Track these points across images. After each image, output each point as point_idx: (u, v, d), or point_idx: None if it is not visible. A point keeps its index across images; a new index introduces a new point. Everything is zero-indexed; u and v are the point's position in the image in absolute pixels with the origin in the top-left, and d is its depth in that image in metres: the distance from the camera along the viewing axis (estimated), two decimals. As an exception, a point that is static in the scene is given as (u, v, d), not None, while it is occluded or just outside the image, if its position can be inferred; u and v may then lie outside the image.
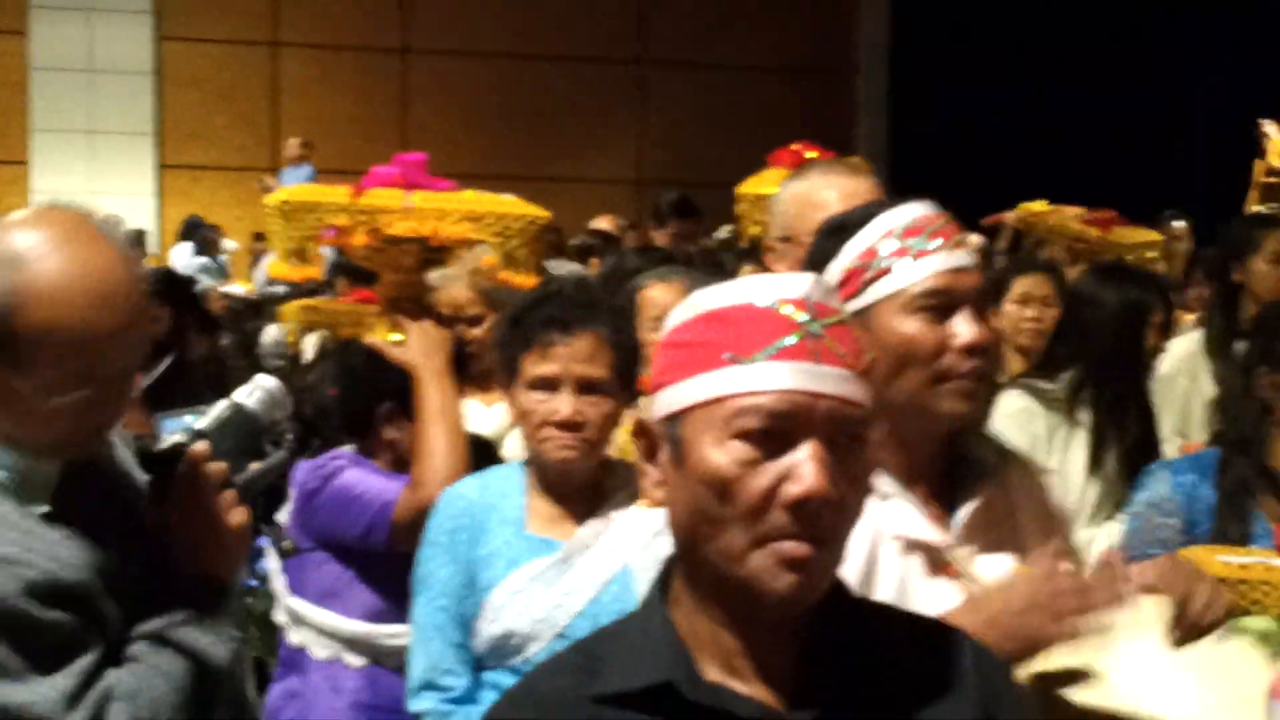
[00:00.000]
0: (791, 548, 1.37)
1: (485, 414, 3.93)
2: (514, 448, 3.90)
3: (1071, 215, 6.51)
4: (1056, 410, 4.04)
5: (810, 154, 5.07)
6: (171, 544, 1.95)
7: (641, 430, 1.48)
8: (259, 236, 14.11)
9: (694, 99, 16.74)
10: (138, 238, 13.77)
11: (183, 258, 12.96)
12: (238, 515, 1.98)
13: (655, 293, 3.85)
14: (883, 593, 1.94)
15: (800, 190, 2.78)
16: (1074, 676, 1.83)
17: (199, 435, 2.00)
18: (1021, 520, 2.09)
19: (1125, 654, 1.84)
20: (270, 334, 8.12)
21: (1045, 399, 4.05)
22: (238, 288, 12.10)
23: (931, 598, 1.96)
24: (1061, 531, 2.17)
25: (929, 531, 1.99)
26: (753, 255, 6.91)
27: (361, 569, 3.20)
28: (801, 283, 1.44)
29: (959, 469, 2.06)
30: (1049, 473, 2.28)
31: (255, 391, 2.09)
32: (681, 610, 1.45)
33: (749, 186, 5.19)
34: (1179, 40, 15.29)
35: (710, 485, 1.39)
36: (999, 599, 1.83)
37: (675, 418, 1.43)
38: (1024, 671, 1.81)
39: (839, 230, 2.04)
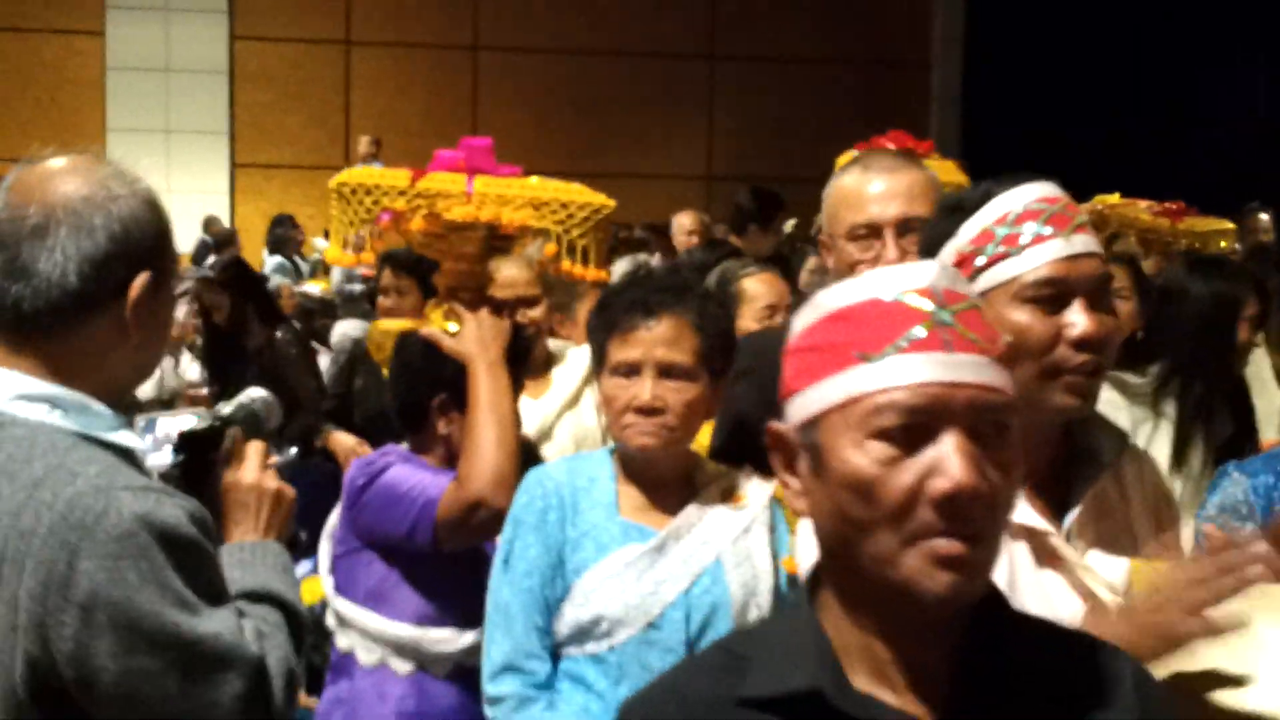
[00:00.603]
0: (945, 545, 1.32)
1: (533, 407, 3.81)
2: (562, 442, 3.81)
3: (1143, 207, 6.44)
4: (1142, 404, 3.94)
5: (892, 146, 4.99)
6: (224, 515, 2.07)
7: (777, 441, 1.44)
8: (280, 221, 14.21)
9: (764, 93, 16.65)
10: (230, 236, 13.94)
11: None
12: (284, 485, 2.14)
13: (751, 285, 3.83)
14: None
15: (839, 186, 2.69)
16: (1221, 677, 1.74)
17: (226, 422, 2.17)
18: (1134, 511, 2.03)
19: (1271, 649, 1.73)
20: (339, 330, 8.14)
21: (1131, 392, 3.95)
22: (313, 287, 12.18)
23: (1039, 587, 1.90)
24: (1174, 524, 2.10)
25: (1036, 520, 1.92)
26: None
27: (408, 570, 3.07)
28: (927, 271, 1.40)
29: (1075, 458, 1.99)
30: (1158, 465, 2.18)
31: (255, 398, 2.26)
32: (830, 617, 1.42)
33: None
34: (1260, 34, 15.03)
35: (853, 489, 1.35)
36: (1132, 599, 1.76)
37: (811, 424, 1.39)
38: (1166, 671, 1.73)
39: (955, 210, 1.96)
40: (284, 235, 13.68)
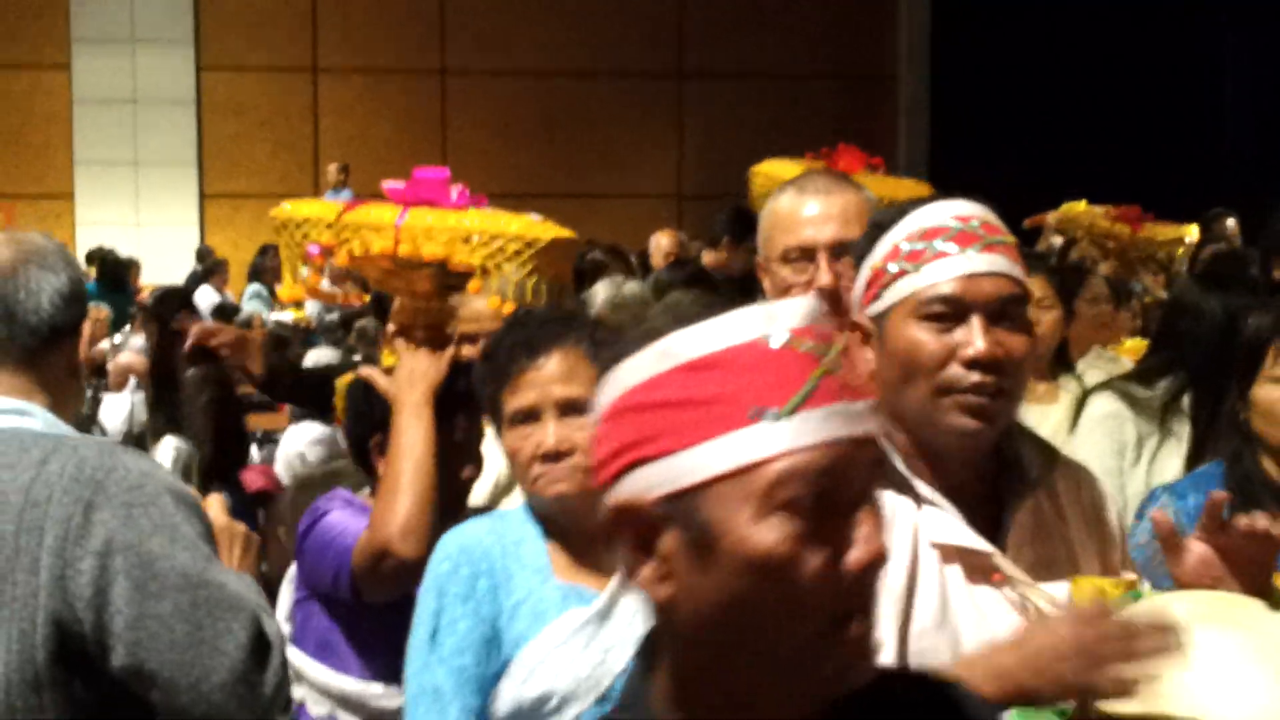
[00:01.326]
0: (860, 623, 1.20)
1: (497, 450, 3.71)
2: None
3: (1099, 213, 6.46)
4: (1149, 417, 3.88)
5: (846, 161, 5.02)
6: None
7: (625, 516, 1.21)
8: (264, 251, 14.18)
9: (733, 110, 16.70)
10: (214, 266, 13.94)
11: (205, 297, 12.97)
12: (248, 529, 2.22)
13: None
14: (924, 603, 1.86)
15: (773, 208, 2.64)
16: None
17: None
18: (1072, 529, 2.00)
19: (1215, 658, 1.69)
20: (311, 358, 8.12)
21: (1138, 405, 3.90)
22: (287, 315, 12.19)
23: (977, 606, 1.88)
24: (1114, 545, 2.07)
25: (971, 538, 1.90)
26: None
27: (349, 621, 2.87)
28: (801, 309, 1.23)
29: (1005, 474, 1.97)
30: (1096, 479, 2.14)
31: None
32: (675, 708, 1.26)
33: (764, 166, 5.17)
34: (1220, 38, 15.15)
35: (761, 570, 1.17)
36: (1042, 637, 1.69)
37: (685, 495, 1.19)
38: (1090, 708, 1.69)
39: (876, 228, 1.95)
40: (263, 264, 13.66)
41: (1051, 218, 7.12)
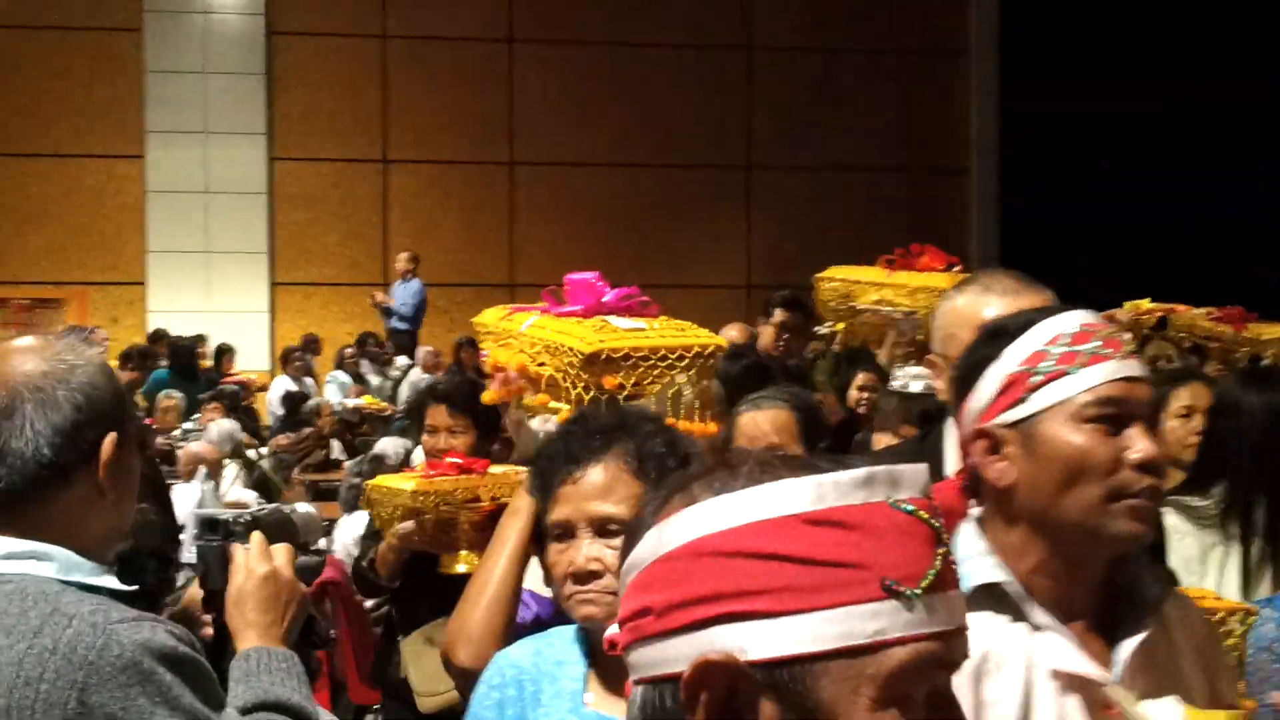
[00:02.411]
0: None
1: None
2: None
3: (1200, 314, 6.27)
4: (1210, 529, 3.72)
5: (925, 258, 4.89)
6: (237, 604, 2.14)
7: (712, 675, 1.06)
8: (361, 340, 14.26)
9: (801, 201, 16.68)
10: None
11: (279, 386, 13.05)
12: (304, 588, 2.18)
13: (747, 420, 3.52)
14: None
15: (957, 306, 2.60)
16: None
17: (256, 521, 2.23)
18: (1184, 661, 1.91)
19: None
20: (379, 446, 8.09)
21: (1196, 517, 3.74)
22: (354, 400, 12.35)
23: None
24: (1224, 675, 1.98)
25: (1089, 667, 1.81)
26: (856, 360, 6.70)
27: None
28: (919, 477, 1.12)
29: (1121, 601, 1.88)
30: (1208, 612, 2.06)
31: (299, 508, 2.26)
32: None
33: (835, 271, 5.08)
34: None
35: None
36: None
37: (789, 664, 1.06)
38: None
39: (998, 334, 1.89)
40: (345, 354, 13.85)
41: (1121, 315, 6.96)
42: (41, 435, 1.93)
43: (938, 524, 1.10)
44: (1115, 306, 7.01)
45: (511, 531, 2.63)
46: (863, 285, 4.89)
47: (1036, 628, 1.81)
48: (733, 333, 7.99)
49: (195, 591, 2.20)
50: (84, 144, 15.80)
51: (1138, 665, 1.84)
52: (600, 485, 2.20)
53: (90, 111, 15.78)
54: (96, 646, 1.83)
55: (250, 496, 8.12)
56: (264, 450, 10.45)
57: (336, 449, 11.00)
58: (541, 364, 2.85)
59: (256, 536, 2.17)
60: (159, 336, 13.95)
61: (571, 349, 2.78)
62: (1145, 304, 6.43)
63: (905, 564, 1.07)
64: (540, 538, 2.30)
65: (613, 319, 2.90)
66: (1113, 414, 1.80)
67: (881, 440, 4.71)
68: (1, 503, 1.94)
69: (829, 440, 4.08)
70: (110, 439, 1.98)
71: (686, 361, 2.77)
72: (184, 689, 1.86)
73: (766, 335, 6.79)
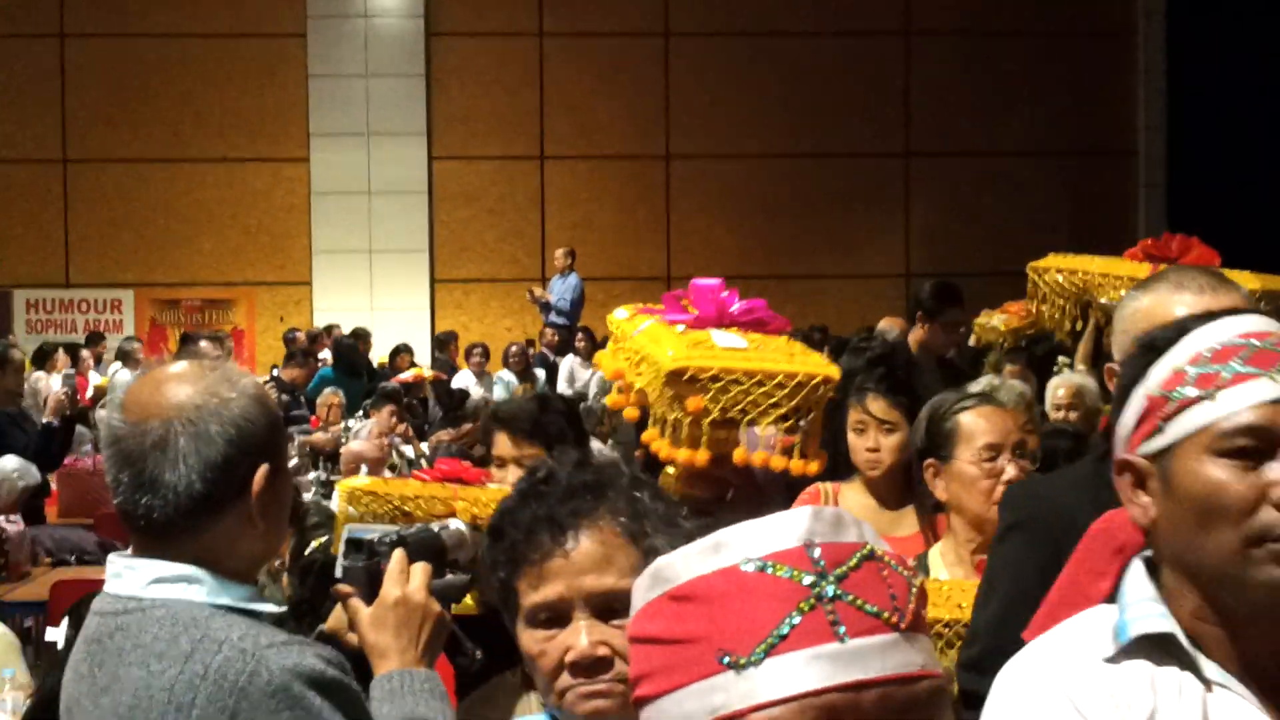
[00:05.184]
0: None
1: None
2: None
3: None
4: None
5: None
6: (373, 628, 2.12)
7: None
8: (529, 343, 14.36)
9: (961, 188, 16.42)
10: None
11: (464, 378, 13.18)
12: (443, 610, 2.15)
13: (970, 419, 3.20)
14: None
15: (1145, 307, 2.34)
16: None
17: (401, 540, 2.19)
18: None
19: None
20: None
21: None
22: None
23: None
24: None
25: None
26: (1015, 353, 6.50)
27: None
28: (794, 524, 1.05)
29: None
30: None
31: (450, 524, 2.32)
32: None
33: (1050, 260, 4.76)
34: None
35: None
36: None
37: None
38: None
39: (1148, 349, 1.64)
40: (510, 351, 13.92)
41: None
42: (194, 469, 1.93)
43: (796, 573, 1.01)
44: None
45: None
46: (1111, 279, 4.48)
47: (1209, 684, 1.58)
48: (884, 325, 7.87)
49: (342, 611, 2.20)
50: (252, 148, 16.21)
51: None
52: (595, 556, 1.79)
53: (258, 116, 16.19)
54: (247, 672, 1.85)
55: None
56: (425, 446, 10.59)
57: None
58: (640, 373, 2.65)
59: (396, 557, 2.15)
60: (312, 336, 14.19)
61: (658, 362, 2.52)
62: None
63: (744, 629, 1.00)
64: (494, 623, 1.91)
65: (717, 334, 2.61)
66: (1254, 446, 1.54)
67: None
68: (152, 531, 1.95)
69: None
70: (262, 471, 1.97)
71: (787, 390, 2.43)
72: (334, 713, 1.87)
73: (920, 330, 6.57)
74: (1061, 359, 6.13)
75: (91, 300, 16.27)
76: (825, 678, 0.99)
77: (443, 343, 14.40)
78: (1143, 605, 1.60)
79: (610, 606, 1.77)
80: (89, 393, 12.49)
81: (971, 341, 7.41)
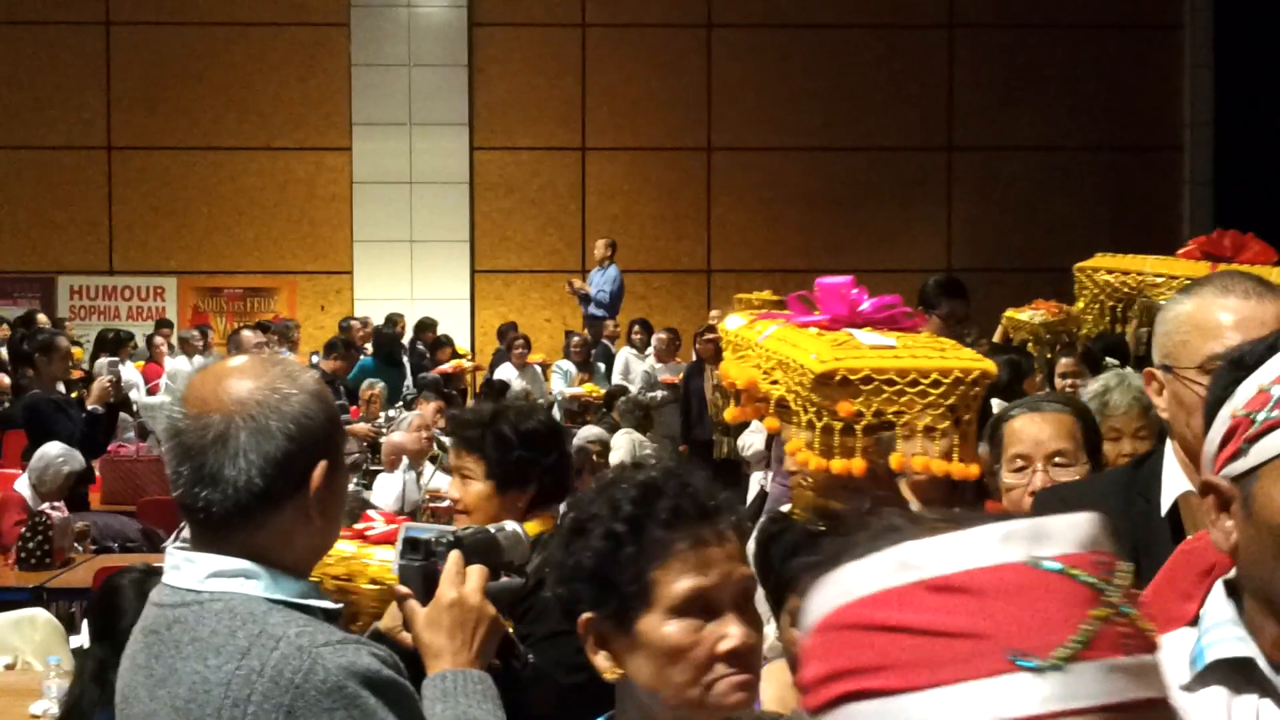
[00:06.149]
0: None
1: None
2: None
3: None
4: None
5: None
6: (428, 628, 2.13)
7: None
8: (569, 335, 14.36)
9: (1004, 183, 16.33)
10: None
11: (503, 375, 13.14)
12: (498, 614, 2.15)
13: (1011, 428, 3.13)
14: None
15: (1188, 311, 2.27)
16: None
17: (458, 541, 2.19)
18: None
19: None
20: (580, 436, 8.16)
21: None
22: (571, 389, 12.48)
23: None
24: None
25: None
26: (1072, 348, 6.43)
27: None
28: (1084, 529, 0.97)
29: None
30: None
31: (506, 526, 2.31)
32: None
33: (1099, 260, 4.58)
34: None
35: None
36: None
37: None
38: None
39: (1236, 365, 1.57)
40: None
41: None
42: (254, 464, 1.93)
43: (1095, 580, 0.94)
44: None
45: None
46: (1167, 280, 4.31)
47: None
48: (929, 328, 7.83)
49: (396, 609, 2.19)
50: (295, 137, 16.28)
51: None
52: (740, 547, 1.86)
53: (301, 105, 16.25)
54: (303, 670, 1.85)
55: (442, 485, 8.22)
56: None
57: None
58: (774, 381, 2.46)
59: (453, 558, 2.15)
60: (346, 326, 14.20)
61: (802, 366, 2.33)
62: None
63: (1039, 630, 0.93)
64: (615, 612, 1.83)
65: (858, 333, 2.44)
66: None
67: (1113, 451, 4.03)
68: (211, 524, 1.96)
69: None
70: (321, 467, 1.98)
71: (943, 389, 2.28)
72: (387, 712, 1.87)
73: (932, 325, 6.52)
74: (1109, 359, 6.08)
75: (135, 287, 16.38)
76: (1122, 691, 0.93)
77: (503, 334, 14.38)
78: (1221, 629, 1.55)
79: (749, 596, 1.83)
80: (162, 379, 12.64)
81: (997, 337, 7.37)
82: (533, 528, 2.81)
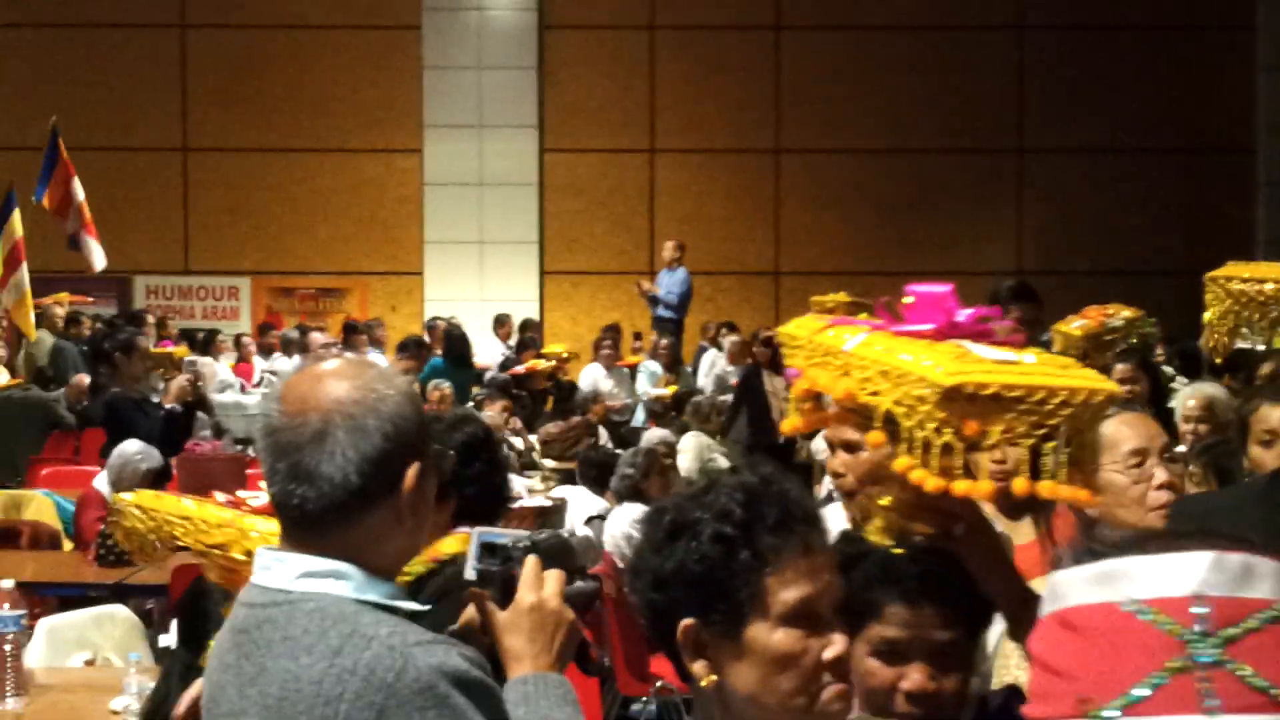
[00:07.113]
0: None
1: None
2: None
3: None
4: None
5: None
6: (508, 632, 2.13)
7: None
8: (637, 336, 14.40)
9: (1076, 186, 16.20)
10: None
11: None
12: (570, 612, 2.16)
13: (1113, 427, 3.09)
14: None
15: None
16: None
17: (535, 546, 2.19)
18: None
19: None
20: (645, 438, 8.19)
21: None
22: (656, 389, 12.53)
23: None
24: None
25: None
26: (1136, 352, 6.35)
27: None
28: (1188, 571, 0.93)
29: None
30: None
31: (578, 531, 2.22)
32: None
33: (1228, 269, 4.46)
34: None
35: None
36: None
37: None
38: None
39: None
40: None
41: None
42: (351, 462, 1.95)
43: (1169, 625, 0.90)
44: None
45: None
46: None
47: None
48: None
49: (473, 611, 2.21)
50: (366, 139, 16.44)
51: None
52: (833, 556, 1.89)
53: (373, 107, 16.41)
54: (395, 669, 1.88)
55: (521, 485, 8.29)
56: (533, 438, 10.68)
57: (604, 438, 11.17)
58: (875, 392, 2.29)
59: (530, 563, 2.17)
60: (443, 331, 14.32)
61: (923, 378, 2.17)
62: None
63: (1110, 677, 0.91)
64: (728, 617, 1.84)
65: (970, 345, 2.29)
66: None
67: (1262, 457, 3.72)
68: (305, 522, 1.98)
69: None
70: (414, 469, 2.00)
71: (1071, 410, 2.12)
72: (476, 713, 1.90)
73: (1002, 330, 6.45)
74: (1166, 369, 5.91)
75: (210, 287, 16.61)
76: None
77: (602, 336, 14.39)
78: None
79: (840, 605, 1.84)
80: (255, 378, 12.81)
81: (1057, 349, 7.32)
82: (450, 545, 2.87)
